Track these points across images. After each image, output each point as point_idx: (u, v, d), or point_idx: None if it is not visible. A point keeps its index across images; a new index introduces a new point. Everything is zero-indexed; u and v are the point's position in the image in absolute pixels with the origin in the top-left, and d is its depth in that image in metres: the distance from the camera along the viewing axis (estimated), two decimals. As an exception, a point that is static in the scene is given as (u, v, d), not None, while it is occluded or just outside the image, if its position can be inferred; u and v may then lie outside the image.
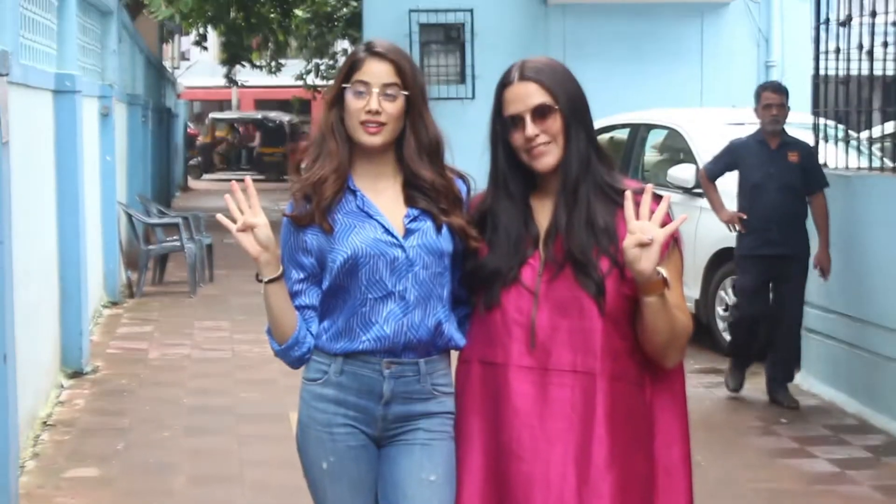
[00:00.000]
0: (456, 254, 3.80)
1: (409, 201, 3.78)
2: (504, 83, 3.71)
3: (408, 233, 3.74)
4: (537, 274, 3.64)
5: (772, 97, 9.65)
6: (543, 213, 3.71)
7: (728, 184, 9.89)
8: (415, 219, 3.76)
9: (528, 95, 3.65)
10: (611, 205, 3.63)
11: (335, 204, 3.75)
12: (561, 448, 3.56)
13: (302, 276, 3.79)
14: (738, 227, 9.61)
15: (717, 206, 9.85)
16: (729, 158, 9.80)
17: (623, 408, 3.60)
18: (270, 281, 3.71)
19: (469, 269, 3.76)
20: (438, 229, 3.76)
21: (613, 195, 3.64)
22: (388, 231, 3.73)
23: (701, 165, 11.79)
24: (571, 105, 3.67)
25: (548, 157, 3.65)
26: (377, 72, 3.72)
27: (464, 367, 3.80)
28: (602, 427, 3.55)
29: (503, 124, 3.70)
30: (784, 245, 9.43)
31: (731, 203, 9.76)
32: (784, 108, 9.61)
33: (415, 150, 3.79)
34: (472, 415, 3.74)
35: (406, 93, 3.74)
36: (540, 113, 3.63)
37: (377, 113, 3.70)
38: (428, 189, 3.77)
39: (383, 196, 3.79)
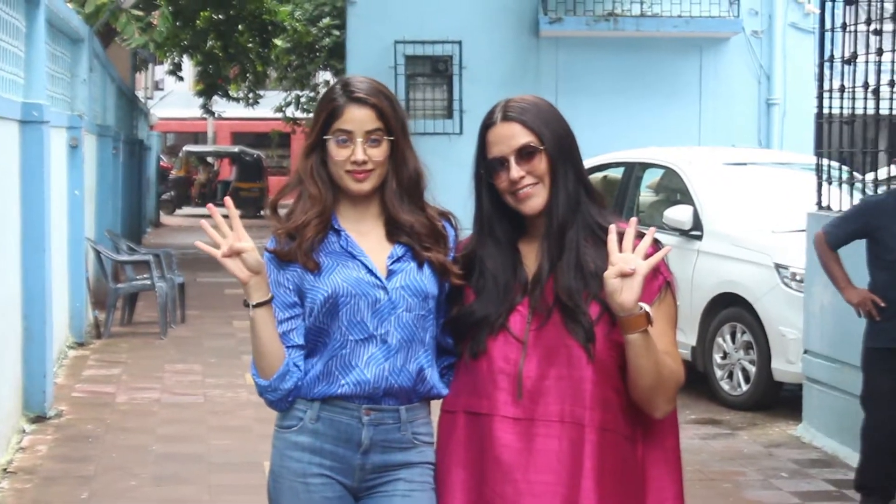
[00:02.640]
0: (440, 297, 3.81)
1: (391, 237, 3.80)
2: (487, 124, 3.73)
3: (390, 274, 3.77)
4: (526, 321, 3.64)
5: None
6: (531, 257, 3.72)
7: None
8: (398, 259, 3.78)
9: (512, 136, 3.66)
10: (602, 247, 3.61)
11: (318, 244, 3.77)
12: (547, 502, 3.55)
13: (288, 315, 3.78)
14: (871, 313, 7.89)
15: (841, 283, 8.12)
16: (861, 222, 8.03)
17: (613, 461, 3.59)
18: (259, 305, 3.71)
19: (455, 315, 3.76)
20: (420, 266, 3.77)
21: (604, 236, 3.62)
22: (371, 272, 3.76)
23: (698, 206, 11.86)
24: (557, 144, 3.67)
25: (534, 199, 3.66)
26: (359, 118, 3.74)
27: (448, 418, 3.78)
28: (590, 480, 3.54)
29: (487, 167, 3.71)
30: None
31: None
32: None
33: (395, 192, 3.82)
34: (455, 467, 3.72)
35: (391, 138, 3.78)
36: (524, 154, 3.64)
37: (363, 162, 3.73)
38: (409, 230, 3.80)
39: (368, 237, 3.82)
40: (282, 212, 3.89)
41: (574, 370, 3.58)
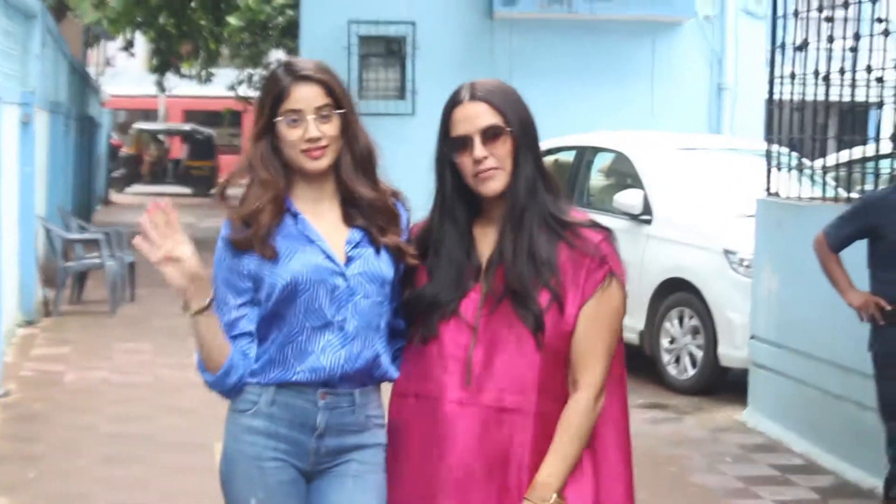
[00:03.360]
0: (395, 281, 3.82)
1: (348, 220, 3.79)
2: (453, 102, 3.74)
3: (349, 260, 3.76)
4: (477, 307, 3.67)
5: None
6: (486, 241, 3.74)
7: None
8: (356, 245, 3.77)
9: (478, 116, 3.67)
10: (553, 237, 3.65)
11: (274, 229, 3.74)
12: (484, 487, 3.61)
13: (241, 301, 3.77)
14: (875, 318, 7.54)
15: (842, 285, 7.76)
16: (863, 220, 7.63)
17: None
18: (200, 311, 3.67)
19: (408, 297, 3.78)
20: (378, 252, 3.77)
21: (557, 227, 3.66)
22: (329, 258, 3.75)
23: (648, 191, 11.92)
24: (522, 128, 3.70)
25: (495, 181, 3.67)
26: (307, 96, 3.73)
27: (398, 401, 3.82)
28: (526, 468, 3.61)
29: (451, 145, 3.72)
30: None
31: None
32: None
33: (350, 166, 3.81)
34: (403, 449, 3.76)
35: (341, 111, 3.77)
36: (490, 134, 3.66)
37: (318, 139, 3.71)
38: (366, 207, 3.79)
39: (324, 220, 3.80)
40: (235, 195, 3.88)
41: (522, 357, 3.61)
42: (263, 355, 3.77)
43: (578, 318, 3.61)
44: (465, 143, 3.67)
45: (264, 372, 3.77)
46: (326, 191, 3.83)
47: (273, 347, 3.76)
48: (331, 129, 3.74)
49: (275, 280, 3.71)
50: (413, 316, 3.79)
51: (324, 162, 3.75)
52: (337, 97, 3.77)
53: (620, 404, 3.79)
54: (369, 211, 3.80)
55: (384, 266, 3.78)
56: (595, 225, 3.67)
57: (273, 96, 3.75)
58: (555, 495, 3.54)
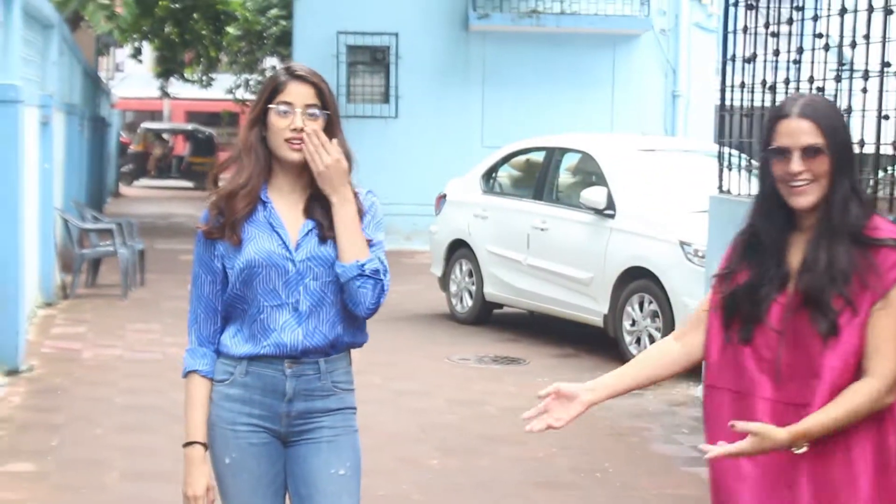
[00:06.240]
0: None
1: (307, 212, 3.86)
2: (779, 115, 3.57)
3: (297, 246, 3.83)
4: (784, 312, 3.55)
5: None
6: (796, 250, 3.60)
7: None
8: (306, 234, 3.84)
9: (801, 133, 3.51)
10: (857, 251, 3.51)
11: (246, 215, 3.83)
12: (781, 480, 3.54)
13: (211, 278, 3.89)
14: None
15: None
16: None
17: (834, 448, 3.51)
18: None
19: (724, 295, 3.67)
20: (323, 241, 3.83)
21: (863, 244, 3.52)
22: (284, 244, 3.82)
23: (611, 188, 11.94)
24: (841, 150, 3.53)
25: (807, 196, 3.52)
26: (300, 93, 3.80)
27: (712, 393, 3.71)
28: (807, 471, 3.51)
29: (770, 154, 3.57)
30: None
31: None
32: None
33: None
34: (718, 440, 3.57)
35: (327, 112, 3.83)
36: (810, 152, 3.50)
37: (301, 130, 3.77)
38: (325, 205, 3.83)
39: (292, 210, 3.87)
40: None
41: (818, 359, 3.49)
42: (237, 334, 3.88)
43: (871, 316, 3.46)
44: (784, 154, 3.53)
45: (237, 347, 3.86)
46: (299, 184, 3.87)
47: (244, 326, 3.86)
48: (315, 126, 3.79)
49: (233, 262, 3.82)
50: (731, 314, 3.65)
51: (301, 154, 3.80)
52: (325, 101, 3.84)
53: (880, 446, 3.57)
54: (328, 208, 3.83)
55: (330, 251, 3.81)
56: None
57: (271, 89, 3.84)
58: (806, 446, 3.43)
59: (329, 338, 3.85)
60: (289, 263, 3.80)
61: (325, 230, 3.82)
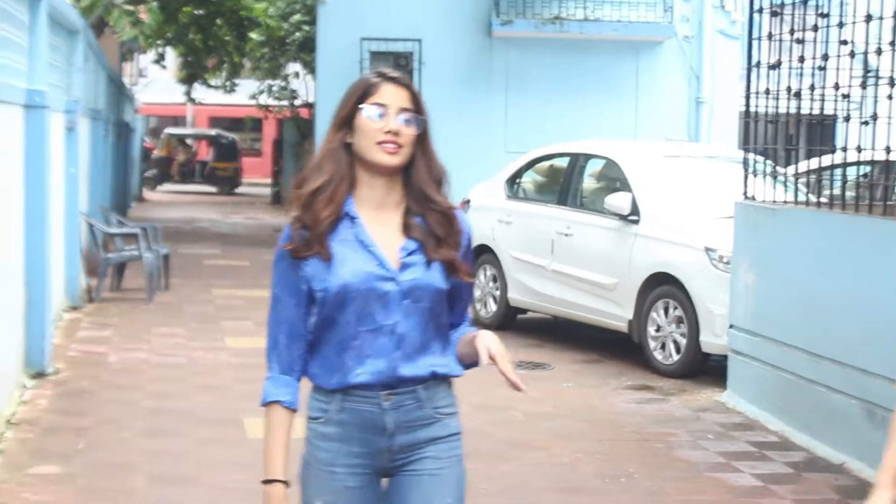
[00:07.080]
0: (451, 291, 3.67)
1: (407, 231, 3.60)
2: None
3: (403, 266, 3.57)
4: None
5: None
6: None
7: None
8: (410, 253, 3.59)
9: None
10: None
11: (332, 229, 3.56)
12: None
13: (301, 302, 3.62)
14: None
15: None
16: None
17: None
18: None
19: None
20: (428, 265, 3.59)
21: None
22: (381, 264, 3.55)
23: (636, 194, 11.93)
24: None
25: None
26: (395, 94, 3.57)
27: None
28: None
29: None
30: None
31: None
32: None
33: (426, 172, 3.63)
34: None
35: (423, 117, 3.61)
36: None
37: (397, 133, 3.54)
38: (435, 215, 3.62)
39: (383, 226, 3.61)
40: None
41: None
42: (325, 363, 3.63)
43: None
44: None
45: (326, 378, 3.62)
46: (392, 198, 3.63)
47: (333, 354, 3.60)
48: (410, 132, 3.56)
49: (326, 286, 3.54)
50: None
51: (397, 159, 3.55)
52: (419, 107, 3.61)
53: None
54: (431, 223, 3.61)
55: (435, 276, 3.59)
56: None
57: (361, 91, 3.59)
58: None
59: (428, 372, 3.62)
60: (389, 284, 3.53)
61: (429, 251, 3.58)
